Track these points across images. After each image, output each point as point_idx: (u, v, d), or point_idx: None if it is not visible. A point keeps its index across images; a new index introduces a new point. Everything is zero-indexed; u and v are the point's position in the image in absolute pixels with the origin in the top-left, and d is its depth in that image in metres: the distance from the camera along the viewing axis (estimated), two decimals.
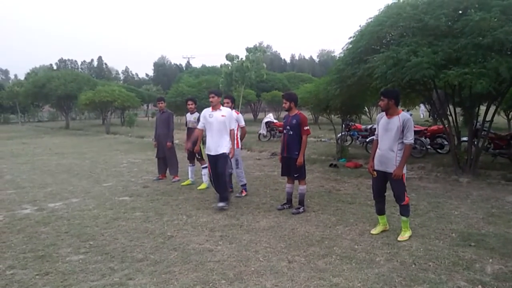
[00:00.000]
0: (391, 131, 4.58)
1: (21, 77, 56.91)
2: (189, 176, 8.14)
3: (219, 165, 6.13)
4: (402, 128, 4.51)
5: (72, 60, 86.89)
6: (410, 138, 4.52)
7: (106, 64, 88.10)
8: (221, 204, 6.12)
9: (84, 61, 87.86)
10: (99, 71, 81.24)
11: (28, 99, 34.28)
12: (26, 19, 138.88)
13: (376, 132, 4.89)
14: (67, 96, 29.68)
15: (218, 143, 6.15)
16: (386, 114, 4.70)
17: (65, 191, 7.70)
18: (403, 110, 5.01)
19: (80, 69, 79.94)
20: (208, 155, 6.27)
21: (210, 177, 6.45)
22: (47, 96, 30.92)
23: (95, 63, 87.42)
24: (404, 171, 4.63)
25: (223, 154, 6.12)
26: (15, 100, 37.60)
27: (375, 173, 4.78)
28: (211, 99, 6.24)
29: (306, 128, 5.83)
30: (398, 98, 4.73)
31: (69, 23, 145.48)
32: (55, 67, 77.32)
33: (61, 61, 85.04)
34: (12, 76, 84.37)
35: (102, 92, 24.93)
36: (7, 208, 6.48)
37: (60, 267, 4.13)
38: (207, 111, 6.34)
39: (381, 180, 4.79)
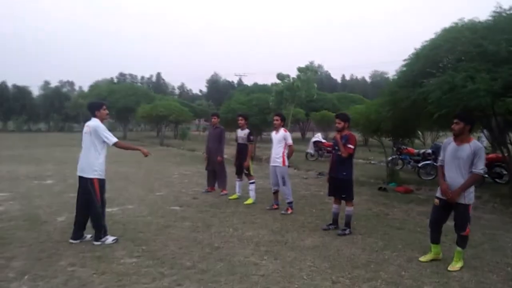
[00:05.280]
0: (461, 160, 4.35)
1: (85, 88, 61.10)
2: (237, 190, 8.34)
3: None
4: (472, 157, 4.28)
5: (132, 74, 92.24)
6: (480, 168, 4.27)
7: (164, 79, 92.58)
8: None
9: (143, 76, 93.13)
10: (157, 86, 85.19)
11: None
12: (91, 35, 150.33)
13: (441, 158, 4.67)
14: (126, 108, 31.40)
15: None
16: (455, 140, 4.47)
17: (122, 197, 8.18)
18: None
19: (139, 83, 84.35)
20: None
21: None
22: (108, 108, 32.81)
23: (154, 78, 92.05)
24: (472, 201, 4.44)
25: None
26: (79, 110, 40.34)
27: (437, 201, 4.59)
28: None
29: (349, 145, 5.75)
30: (474, 124, 4.50)
31: (132, 41, 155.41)
32: (115, 81, 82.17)
33: (121, 75, 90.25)
34: (77, 88, 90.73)
35: (159, 107, 26.11)
36: (70, 211, 6.94)
37: (115, 268, 4.41)
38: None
39: (444, 210, 4.57)
